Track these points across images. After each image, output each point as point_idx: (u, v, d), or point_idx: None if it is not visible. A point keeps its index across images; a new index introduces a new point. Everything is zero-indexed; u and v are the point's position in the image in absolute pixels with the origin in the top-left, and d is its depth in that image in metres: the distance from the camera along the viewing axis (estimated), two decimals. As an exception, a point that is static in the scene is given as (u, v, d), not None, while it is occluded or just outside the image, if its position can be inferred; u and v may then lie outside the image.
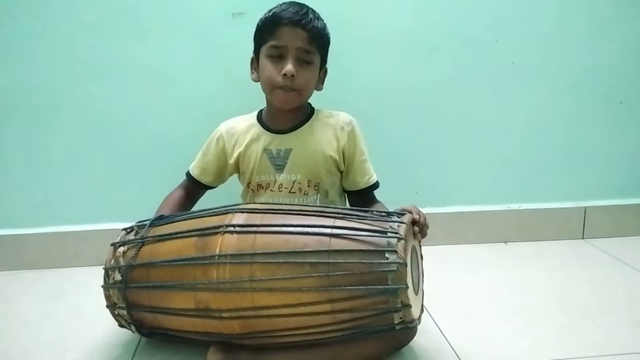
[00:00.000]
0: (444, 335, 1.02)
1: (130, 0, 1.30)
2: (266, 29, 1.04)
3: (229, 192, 1.19)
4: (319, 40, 1.04)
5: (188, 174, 1.16)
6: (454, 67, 1.43)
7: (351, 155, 1.10)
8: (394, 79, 1.41)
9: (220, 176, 1.16)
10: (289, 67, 1.00)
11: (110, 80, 1.34)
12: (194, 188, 1.17)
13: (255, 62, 1.09)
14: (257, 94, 1.10)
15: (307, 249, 0.81)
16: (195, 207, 1.18)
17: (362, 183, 1.12)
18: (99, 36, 1.32)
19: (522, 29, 1.43)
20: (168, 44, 1.34)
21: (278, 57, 1.02)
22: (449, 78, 1.43)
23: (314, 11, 1.05)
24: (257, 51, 1.07)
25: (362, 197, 1.13)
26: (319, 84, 1.11)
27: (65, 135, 1.36)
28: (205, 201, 1.19)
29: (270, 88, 1.04)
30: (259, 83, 1.08)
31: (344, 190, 1.16)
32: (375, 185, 1.13)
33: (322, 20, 1.07)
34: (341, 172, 1.12)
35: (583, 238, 1.55)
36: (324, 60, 1.10)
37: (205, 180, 1.15)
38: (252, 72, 1.10)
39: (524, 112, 1.48)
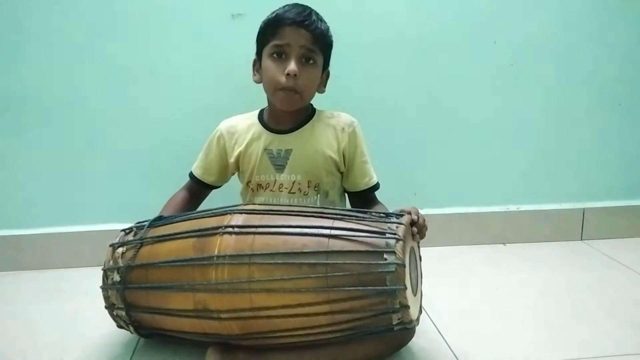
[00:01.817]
0: (442, 336, 1.02)
1: (129, 1, 1.30)
2: (269, 30, 1.04)
3: (227, 191, 1.19)
4: (322, 41, 1.04)
5: (191, 175, 1.16)
6: (453, 69, 1.43)
7: (352, 156, 1.10)
8: (393, 81, 1.42)
9: (223, 175, 1.16)
10: (291, 66, 1.00)
11: (110, 81, 1.34)
12: (197, 188, 1.17)
13: (257, 64, 1.09)
14: (257, 94, 1.10)
15: (305, 250, 0.81)
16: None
17: (363, 184, 1.12)
18: (95, 36, 1.32)
19: (521, 30, 1.43)
20: (167, 45, 1.34)
21: (281, 57, 1.02)
22: (447, 79, 1.43)
23: (317, 13, 1.05)
24: (259, 53, 1.07)
25: (363, 198, 1.13)
26: (321, 86, 1.11)
27: (64, 135, 1.36)
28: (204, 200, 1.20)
29: (272, 89, 1.04)
30: (259, 85, 1.08)
31: (345, 191, 1.16)
32: (376, 187, 1.13)
33: (326, 23, 1.07)
34: (341, 173, 1.12)
35: (581, 239, 1.55)
36: (326, 63, 1.10)
37: (208, 180, 1.15)
38: (254, 74, 1.10)
39: (522, 113, 1.48)
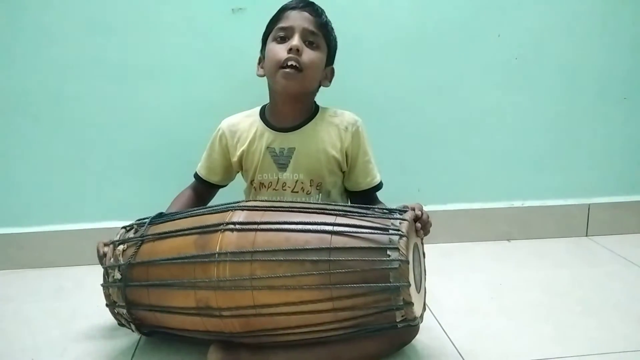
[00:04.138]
0: (446, 333, 1.01)
1: (129, -4, 1.30)
2: (273, 18, 1.06)
3: (231, 189, 1.18)
4: (325, 29, 1.05)
5: (196, 175, 1.16)
6: (456, 63, 1.42)
7: (354, 156, 1.09)
8: (396, 76, 1.40)
9: (228, 174, 1.15)
10: (295, 41, 1.00)
11: (109, 78, 1.33)
12: (203, 189, 1.16)
13: (262, 60, 1.08)
14: (258, 90, 1.09)
15: (308, 247, 0.80)
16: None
17: (365, 184, 1.11)
18: (94, 33, 1.31)
19: (525, 24, 1.41)
20: (167, 40, 1.33)
21: (284, 40, 1.02)
22: (451, 74, 1.42)
23: (322, 9, 1.06)
24: (264, 48, 1.07)
25: (364, 198, 1.12)
26: (326, 80, 1.10)
27: (64, 133, 1.36)
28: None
29: (274, 69, 1.02)
30: (262, 81, 1.08)
31: (346, 190, 1.15)
32: (378, 187, 1.13)
33: (330, 21, 1.07)
34: (344, 173, 1.11)
35: (587, 235, 1.54)
36: (330, 58, 1.09)
37: (213, 179, 1.14)
38: (258, 69, 1.10)
39: (526, 108, 1.47)
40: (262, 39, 1.08)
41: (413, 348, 0.95)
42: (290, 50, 1.00)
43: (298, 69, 1.00)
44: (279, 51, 1.01)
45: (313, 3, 1.06)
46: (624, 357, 0.92)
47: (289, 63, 1.00)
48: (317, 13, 1.04)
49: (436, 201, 1.46)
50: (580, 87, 1.47)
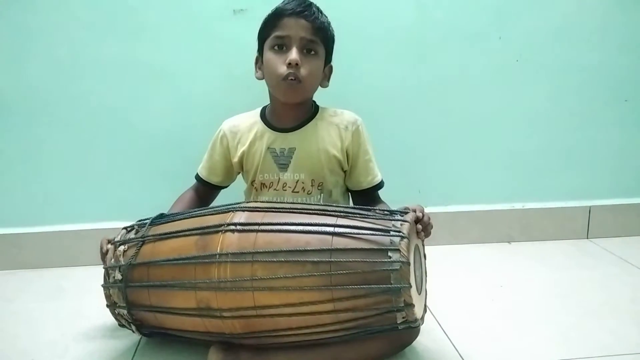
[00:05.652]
0: (447, 335, 1.01)
1: (131, -3, 1.30)
2: (270, 23, 1.04)
3: (232, 190, 1.18)
4: (323, 32, 1.03)
5: (197, 177, 1.16)
6: (457, 64, 1.42)
7: (355, 155, 1.09)
8: (397, 77, 1.41)
9: (229, 175, 1.15)
10: (293, 55, 0.99)
11: (109, 78, 1.33)
12: (205, 190, 1.16)
13: (259, 60, 1.08)
14: (259, 90, 1.09)
15: (309, 248, 0.80)
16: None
17: (366, 183, 1.11)
18: (96, 33, 1.31)
19: (527, 25, 1.42)
20: (168, 41, 1.33)
21: (282, 48, 1.02)
22: (452, 75, 1.42)
23: (317, 7, 1.05)
24: (261, 49, 1.07)
25: (366, 197, 1.12)
26: (325, 80, 1.10)
27: (64, 133, 1.36)
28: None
29: (274, 81, 1.03)
30: (262, 81, 1.08)
31: (348, 190, 1.15)
32: (380, 185, 1.12)
33: (327, 16, 1.06)
34: (345, 172, 1.11)
35: (587, 238, 1.54)
36: (329, 57, 1.09)
37: (214, 180, 1.15)
38: (256, 71, 1.09)
39: (528, 110, 1.47)
40: (259, 39, 1.07)
41: (414, 350, 0.95)
42: (289, 65, 1.00)
43: (298, 80, 1.01)
44: (278, 64, 1.01)
45: (309, 5, 1.03)
46: (625, 360, 0.92)
47: (289, 78, 1.00)
48: (313, 17, 1.02)
49: (437, 203, 1.47)
50: (581, 89, 1.47)
